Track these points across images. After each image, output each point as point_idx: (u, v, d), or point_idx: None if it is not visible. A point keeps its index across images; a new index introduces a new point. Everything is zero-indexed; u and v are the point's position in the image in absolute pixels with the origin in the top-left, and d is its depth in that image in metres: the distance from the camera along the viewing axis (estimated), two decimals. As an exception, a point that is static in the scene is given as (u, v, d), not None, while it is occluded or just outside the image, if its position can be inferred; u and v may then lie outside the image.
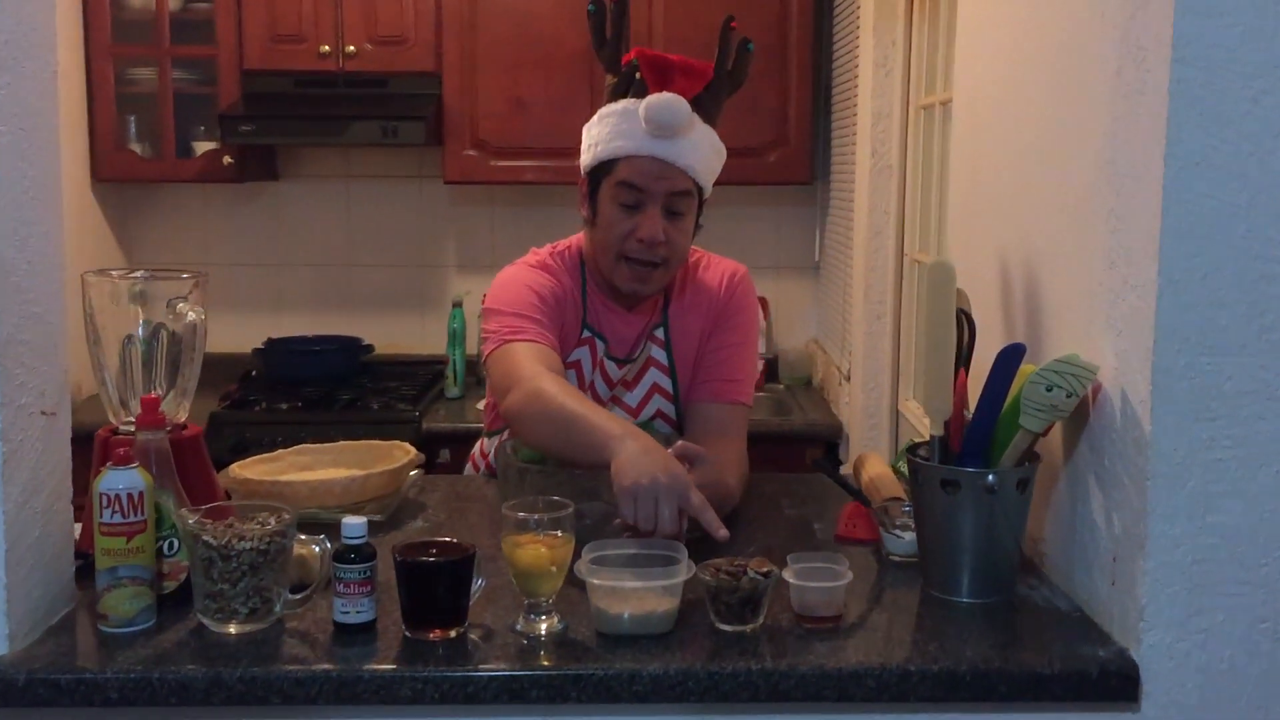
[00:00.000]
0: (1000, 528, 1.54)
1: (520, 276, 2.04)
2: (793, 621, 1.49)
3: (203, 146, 3.63)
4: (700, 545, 1.71)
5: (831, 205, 3.68)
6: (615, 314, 2.07)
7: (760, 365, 3.53)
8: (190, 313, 1.63)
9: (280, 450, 2.07)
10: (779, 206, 3.94)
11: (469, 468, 2.29)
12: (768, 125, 3.59)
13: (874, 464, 2.02)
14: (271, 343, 3.78)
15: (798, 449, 3.39)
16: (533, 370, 1.84)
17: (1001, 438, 1.55)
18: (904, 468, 2.06)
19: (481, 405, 3.53)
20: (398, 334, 3.98)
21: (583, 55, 3.54)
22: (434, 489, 2.11)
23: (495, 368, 1.94)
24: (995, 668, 1.38)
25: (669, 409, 2.09)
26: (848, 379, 3.29)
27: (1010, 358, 1.49)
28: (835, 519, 1.91)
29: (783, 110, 3.60)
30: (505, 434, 2.10)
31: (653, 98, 1.90)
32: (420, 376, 3.78)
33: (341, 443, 2.13)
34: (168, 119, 3.60)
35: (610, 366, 2.07)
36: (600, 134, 1.98)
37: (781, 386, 3.83)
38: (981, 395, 1.51)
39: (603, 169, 1.98)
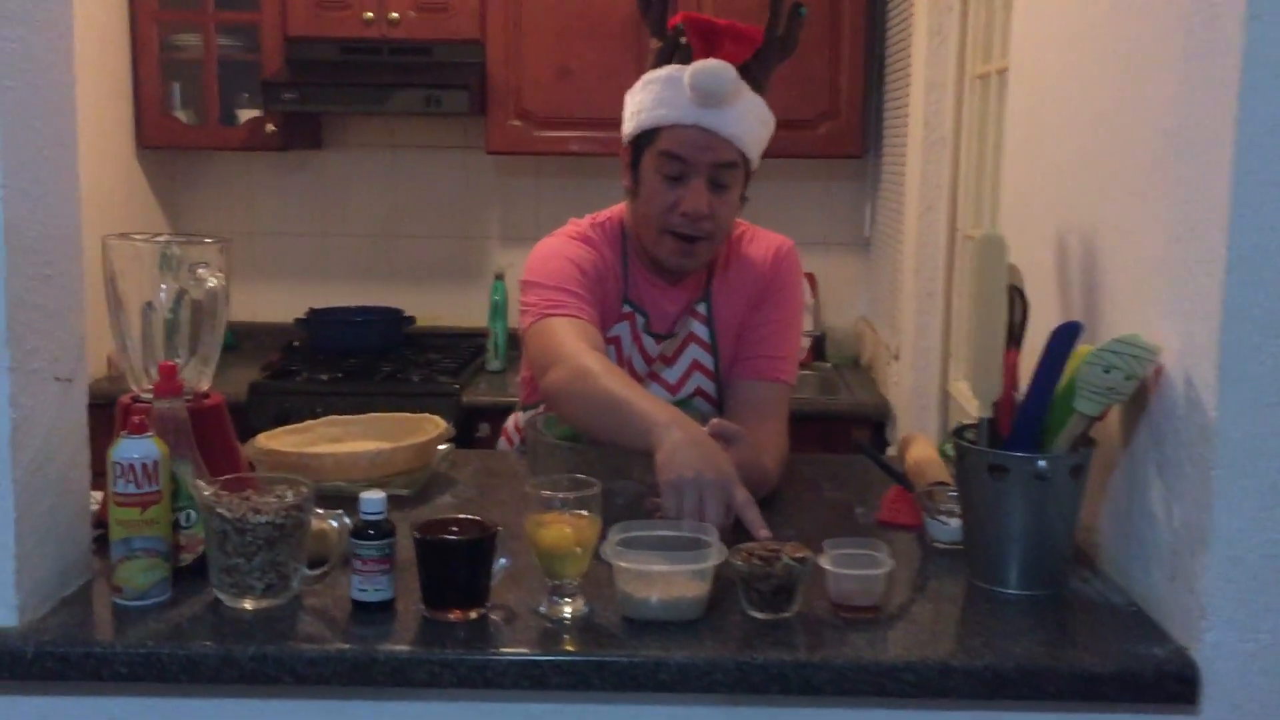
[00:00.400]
0: (1051, 517, 1.45)
1: (560, 248, 1.97)
2: (829, 610, 1.42)
3: (247, 114, 3.61)
4: (733, 528, 1.64)
5: (883, 179, 3.58)
6: (657, 288, 2.00)
7: (805, 343, 3.45)
8: (211, 279, 1.58)
9: (310, 421, 2.03)
10: (829, 180, 3.84)
11: (502, 442, 2.24)
12: (818, 96, 3.49)
13: (920, 446, 1.94)
14: (314, 313, 3.76)
15: (843, 429, 3.31)
16: (575, 347, 1.77)
17: (1054, 421, 1.46)
18: (951, 451, 1.99)
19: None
20: (440, 306, 3.94)
21: (631, 22, 3.46)
22: (465, 464, 2.06)
23: (534, 342, 1.88)
24: (1044, 665, 1.30)
25: (709, 387, 2.02)
26: (896, 358, 3.19)
27: (1065, 337, 1.41)
28: (878, 503, 1.83)
29: (834, 80, 3.50)
30: (540, 409, 2.05)
31: (698, 64, 1.82)
32: (462, 349, 3.74)
33: (372, 415, 2.08)
34: (212, 86, 3.57)
35: (649, 342, 2.00)
36: (643, 101, 1.90)
37: (829, 365, 3.75)
38: (1034, 376, 1.43)
39: (645, 138, 1.91)
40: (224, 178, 3.91)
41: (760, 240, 2.06)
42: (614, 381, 1.69)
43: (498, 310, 3.61)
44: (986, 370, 1.46)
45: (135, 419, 1.42)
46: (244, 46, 3.60)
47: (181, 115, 3.64)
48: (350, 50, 3.53)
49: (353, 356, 3.58)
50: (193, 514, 1.48)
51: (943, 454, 1.98)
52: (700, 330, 2.01)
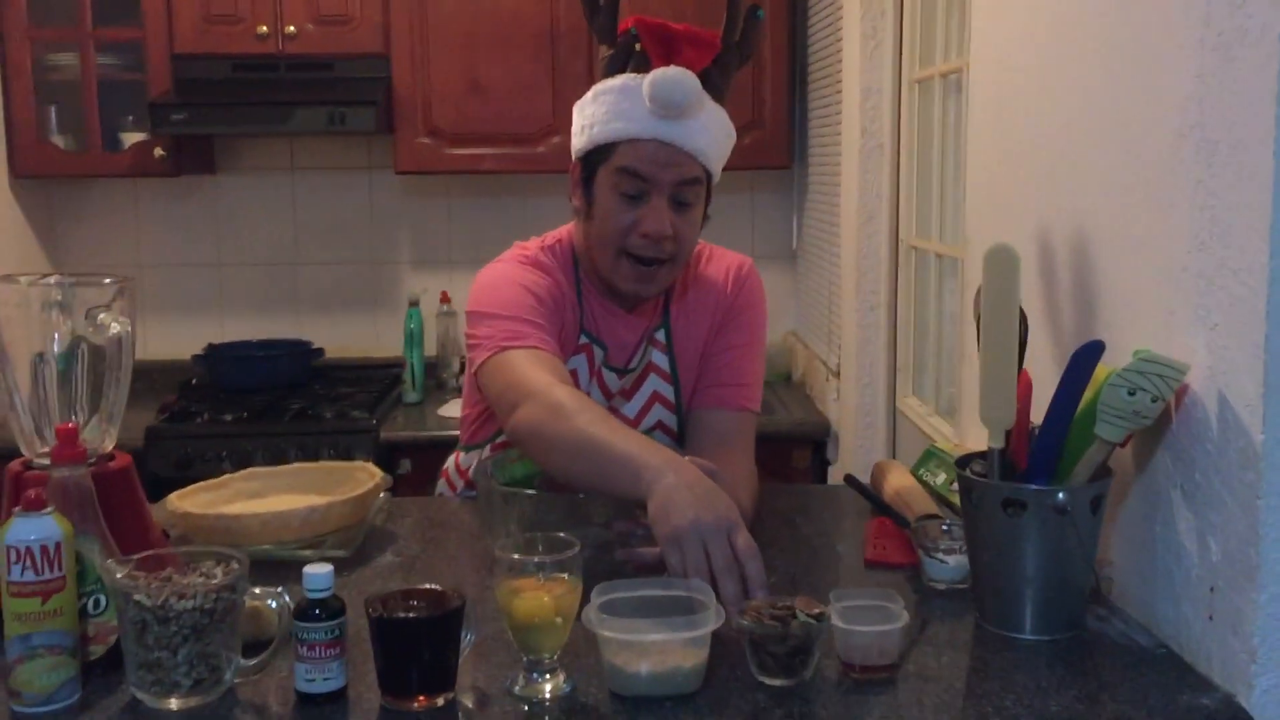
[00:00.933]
0: (1071, 553, 1.33)
1: (511, 274, 1.78)
2: (839, 671, 1.27)
3: (132, 138, 3.35)
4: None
5: (810, 190, 3.48)
6: (615, 317, 1.85)
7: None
8: (114, 324, 1.37)
9: (226, 475, 1.81)
10: (754, 192, 3.73)
11: (441, 485, 2.05)
12: (742, 107, 3.37)
13: (897, 474, 1.81)
14: (213, 348, 3.51)
15: (784, 449, 3.19)
16: (543, 382, 1.59)
17: (1069, 450, 1.34)
18: (927, 477, 1.86)
19: (445, 411, 3.30)
20: (350, 336, 3.72)
21: (544, 33, 3.31)
22: (403, 514, 1.87)
23: (493, 379, 1.68)
24: (1086, 723, 1.17)
25: (670, 419, 1.87)
26: (836, 375, 3.08)
27: (1087, 358, 1.29)
28: (859, 539, 1.70)
29: (757, 90, 3.39)
30: (486, 450, 1.87)
31: (658, 72, 1.66)
32: (376, 381, 3.53)
33: (296, 465, 1.88)
34: (92, 108, 3.31)
35: (609, 377, 1.84)
36: (596, 114, 1.73)
37: (760, 383, 3.62)
38: (1054, 401, 1.30)
39: (599, 154, 1.74)
40: (109, 207, 3.64)
41: (718, 260, 1.92)
42: (593, 420, 1.52)
43: (413, 339, 3.41)
44: (997, 396, 1.33)
45: (31, 493, 1.21)
46: (126, 65, 3.35)
47: (59, 140, 3.37)
48: (243, 68, 3.30)
49: (258, 394, 3.34)
50: (102, 598, 1.27)
51: (920, 481, 1.85)
52: (660, 360, 1.87)
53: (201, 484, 1.77)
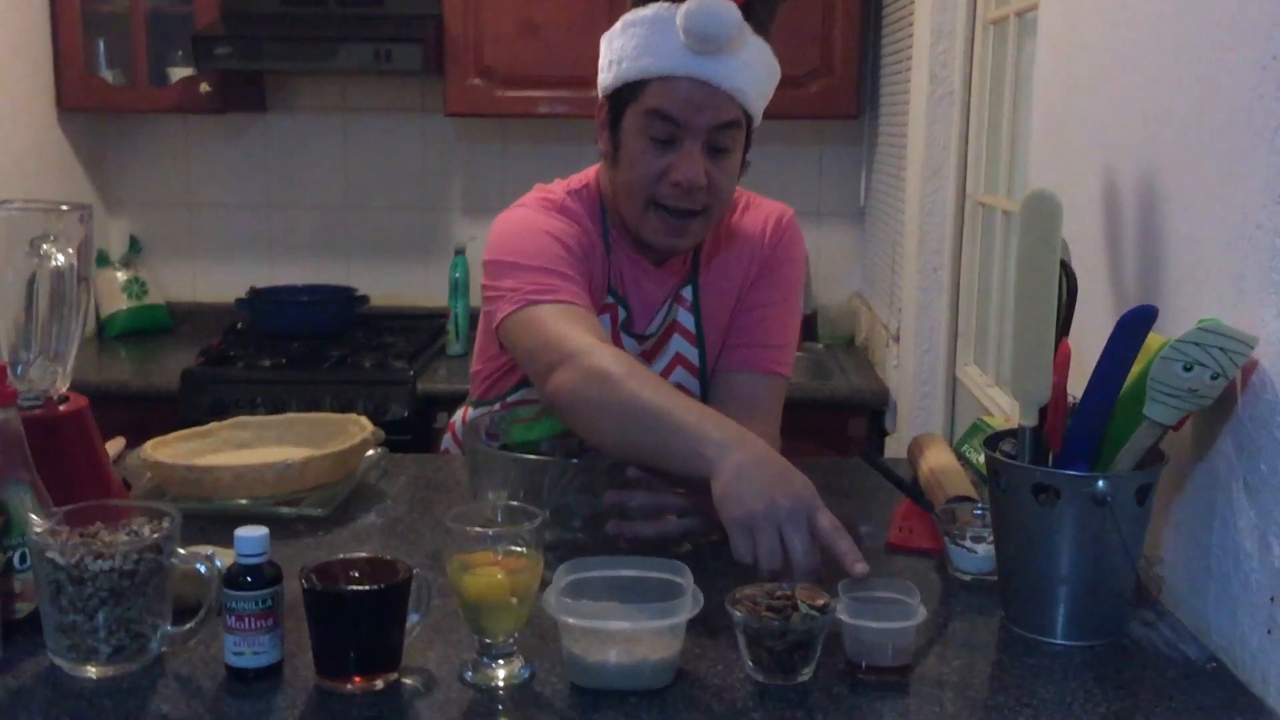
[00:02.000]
0: (1111, 550, 1.15)
1: (537, 220, 1.62)
2: (844, 668, 1.12)
3: (178, 73, 3.27)
4: (720, 565, 1.34)
5: (880, 142, 3.27)
6: (643, 272, 1.67)
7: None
8: (59, 255, 1.26)
9: (213, 424, 1.71)
10: (821, 144, 3.53)
11: (447, 440, 1.92)
12: (809, 51, 3.17)
13: (935, 451, 1.64)
14: (256, 293, 3.43)
15: (839, 418, 3.01)
16: (584, 342, 1.42)
17: (1114, 432, 1.16)
18: (970, 454, 1.69)
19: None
20: (397, 284, 3.62)
21: (602, -31, 3.14)
22: (399, 471, 1.75)
23: (523, 337, 1.51)
24: (1113, 749, 1.01)
25: (692, 384, 1.71)
26: (896, 340, 2.89)
27: (1136, 325, 1.10)
28: (887, 520, 1.53)
29: (827, 33, 3.17)
30: (496, 407, 1.74)
31: (694, 3, 1.47)
32: (420, 331, 3.42)
33: (289, 415, 1.77)
34: (140, 42, 3.23)
35: (628, 343, 1.68)
36: (625, 48, 1.55)
37: (820, 346, 3.44)
38: (1095, 374, 1.13)
39: (628, 92, 1.56)
40: (159, 144, 3.57)
41: (756, 210, 1.74)
42: (645, 385, 1.34)
43: (458, 288, 3.29)
44: (1031, 366, 1.16)
45: (-54, 436, 1.11)
46: (176, -1, 3.26)
47: (107, 75, 3.30)
48: (291, 1, 3.19)
49: (299, 340, 3.26)
50: (28, 553, 1.17)
51: (961, 457, 1.68)
52: (686, 319, 1.70)
53: (185, 431, 1.67)
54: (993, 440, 1.26)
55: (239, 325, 3.44)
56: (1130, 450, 1.13)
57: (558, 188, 1.71)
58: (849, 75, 3.20)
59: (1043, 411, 1.19)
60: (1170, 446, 1.21)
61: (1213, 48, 1.19)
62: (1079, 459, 1.17)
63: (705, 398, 1.72)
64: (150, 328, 3.50)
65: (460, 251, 3.34)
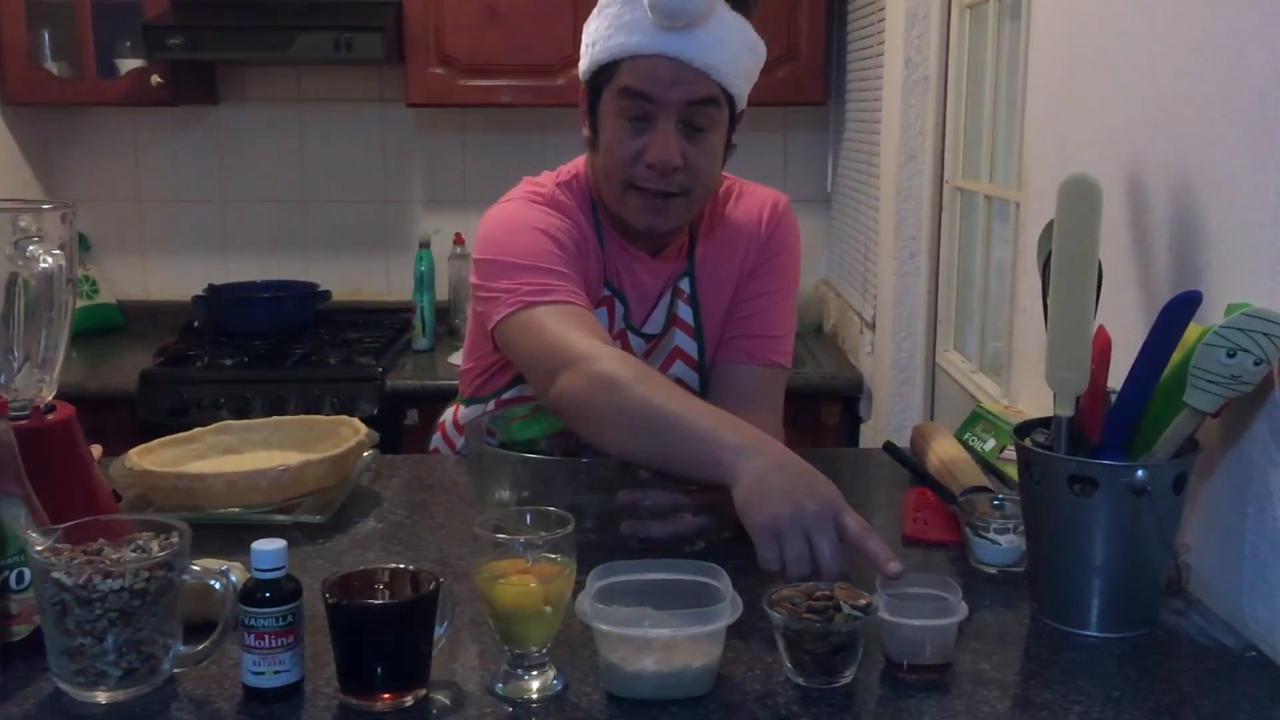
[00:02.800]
0: (1147, 539, 1.14)
1: (528, 216, 1.58)
2: (881, 666, 1.10)
3: (128, 64, 3.16)
4: (739, 563, 1.31)
5: (847, 128, 3.25)
6: (638, 262, 1.64)
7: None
8: (46, 257, 1.19)
9: (197, 429, 1.65)
10: (787, 131, 3.50)
11: (437, 439, 1.87)
12: (775, 37, 3.11)
13: (942, 442, 1.62)
14: (214, 289, 3.34)
15: (813, 405, 3.00)
16: (586, 345, 1.38)
17: (1150, 420, 1.15)
18: (974, 442, 1.68)
19: (457, 359, 3.12)
20: (358, 278, 3.55)
21: (565, -46, 3.08)
22: (392, 473, 1.70)
23: (522, 340, 1.47)
24: (1169, 743, 0.99)
25: (691, 378, 1.68)
26: (870, 327, 2.88)
27: (1180, 311, 1.09)
28: (896, 511, 1.51)
29: (792, 19, 3.15)
30: (489, 406, 1.69)
31: None
32: (384, 326, 3.35)
33: (276, 419, 1.71)
34: (86, 32, 3.12)
35: (635, 342, 1.65)
36: (599, 30, 1.53)
37: (790, 334, 3.42)
38: (1137, 363, 1.11)
39: (603, 74, 1.54)
40: (107, 137, 3.46)
41: (749, 198, 1.71)
42: (657, 391, 1.31)
43: (423, 281, 3.23)
44: (1068, 355, 1.14)
45: (-64, 452, 1.04)
46: (123, -13, 3.15)
47: (53, 67, 3.18)
48: (246, -11, 3.10)
49: (260, 338, 3.18)
50: (25, 572, 1.11)
51: (967, 447, 1.67)
52: (684, 312, 1.67)
53: (169, 438, 1.60)
54: (1022, 430, 1.24)
55: (195, 323, 3.35)
56: (1169, 438, 1.12)
57: (546, 180, 1.67)
58: (815, 61, 3.18)
59: (1078, 401, 1.17)
60: (1199, 433, 1.20)
61: (1239, 25, 1.17)
62: (1114, 449, 1.15)
63: (704, 391, 1.69)
64: (101, 327, 3.40)
65: (425, 245, 3.28)
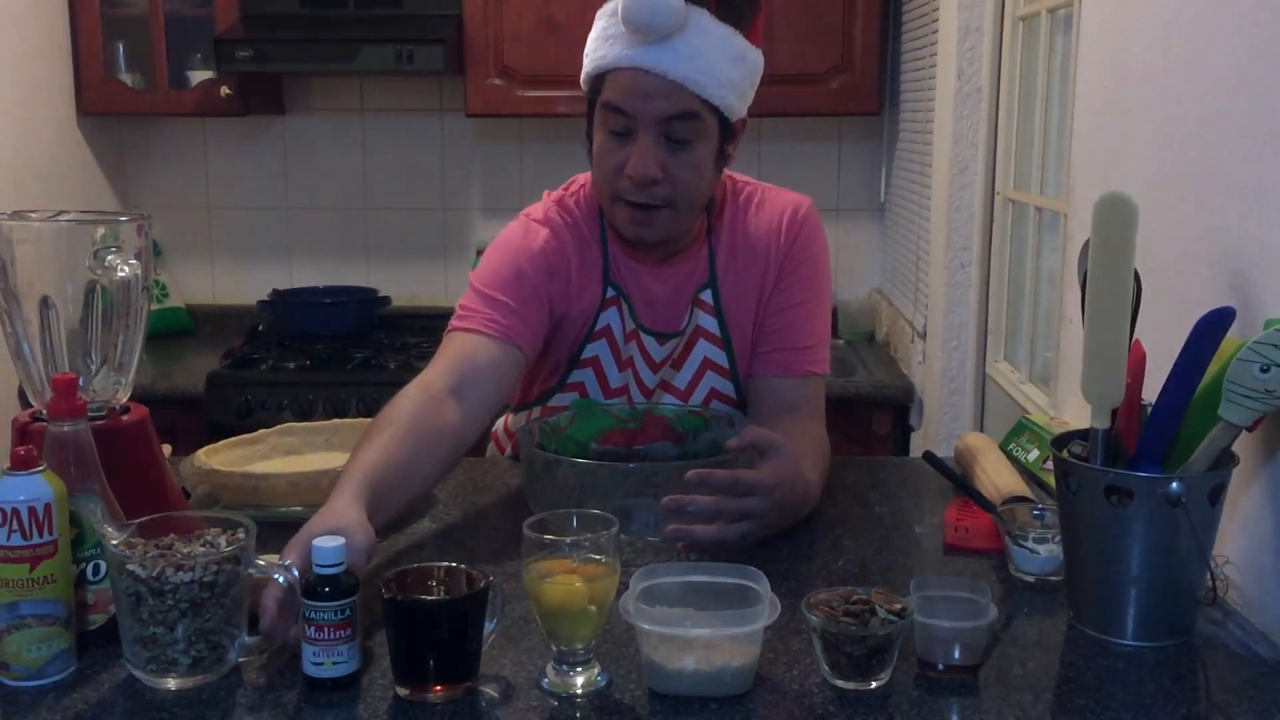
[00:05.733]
0: (1184, 550, 1.16)
1: (508, 240, 1.66)
2: (914, 669, 1.13)
3: (199, 76, 3.26)
4: (780, 567, 1.35)
5: (901, 138, 3.27)
6: (642, 266, 1.67)
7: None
8: (123, 266, 1.26)
9: (261, 431, 1.71)
10: (841, 140, 3.53)
11: (491, 448, 1.93)
12: (829, 48, 3.17)
13: (984, 451, 1.64)
14: (279, 294, 3.44)
15: (863, 414, 3.01)
16: (420, 380, 1.52)
17: (1186, 433, 1.17)
18: (1018, 453, 1.70)
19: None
20: (418, 284, 3.62)
21: (622, -32, 3.13)
22: (446, 476, 1.75)
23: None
24: (1196, 751, 1.01)
25: (726, 387, 1.71)
26: (922, 336, 2.89)
27: (1213, 327, 1.11)
28: (939, 520, 1.54)
29: (847, 30, 3.17)
30: (533, 411, 1.74)
31: None
32: (440, 331, 3.38)
33: (336, 421, 1.77)
34: (159, 45, 3.23)
35: (650, 343, 1.68)
36: (590, 42, 1.57)
37: (842, 342, 3.44)
38: (1171, 376, 1.13)
39: (593, 88, 1.58)
40: (177, 146, 3.57)
41: (770, 206, 1.71)
42: (365, 441, 1.41)
43: (481, 288, 3.29)
44: (1104, 368, 1.16)
45: (21, 449, 1.11)
46: (194, 1, 3.25)
47: (127, 79, 3.30)
48: (311, 3, 3.19)
49: (322, 342, 3.26)
50: (102, 564, 1.17)
51: (1010, 457, 1.69)
52: (708, 323, 1.68)
53: (234, 439, 1.67)
54: (1059, 441, 1.26)
55: (260, 327, 3.45)
56: (1205, 451, 1.14)
57: (554, 195, 1.72)
58: (869, 71, 3.20)
59: (1114, 413, 1.19)
60: (1237, 446, 1.22)
61: (1276, 39, 1.19)
62: (1151, 460, 1.17)
63: (741, 399, 1.72)
64: (172, 331, 3.50)
65: (481, 252, 3.33)
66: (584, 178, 1.72)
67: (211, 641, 1.10)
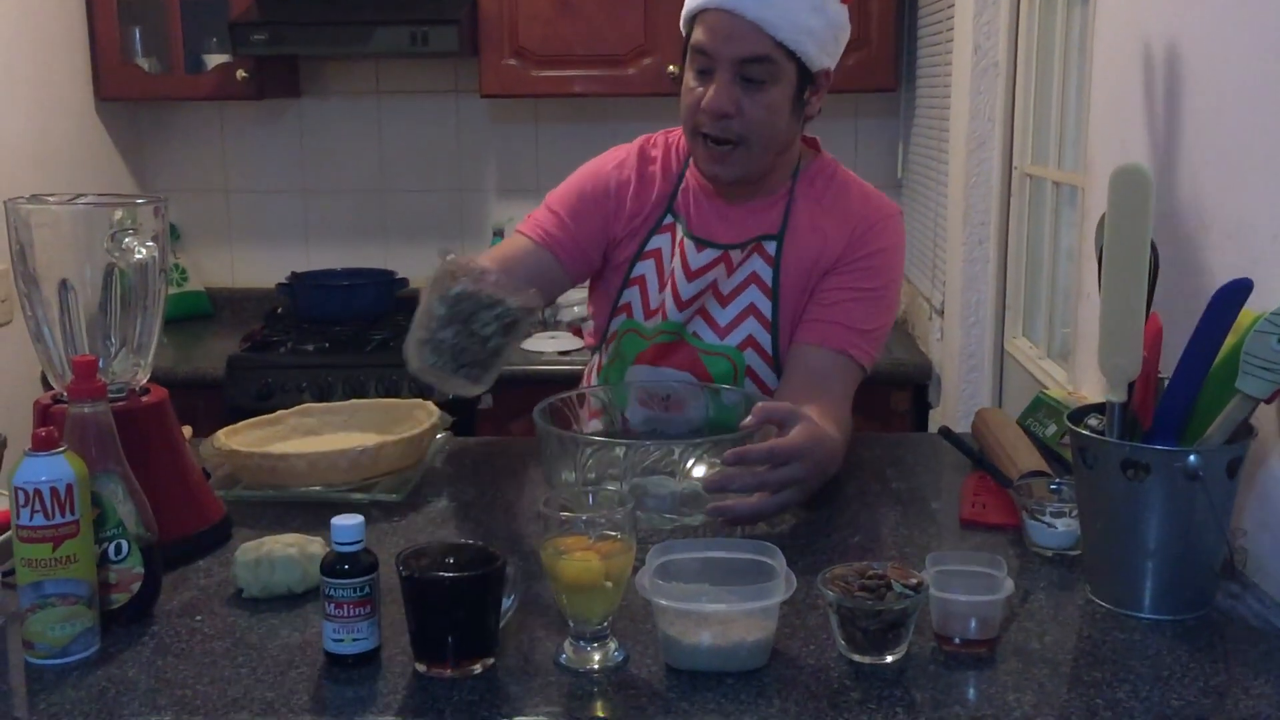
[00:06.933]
0: (1201, 524, 1.16)
1: (588, 164, 1.82)
2: (930, 643, 1.13)
3: (214, 60, 3.27)
4: (797, 542, 1.35)
5: (918, 114, 3.25)
6: (711, 202, 1.73)
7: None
8: (140, 249, 1.27)
9: (280, 411, 1.73)
10: (857, 117, 3.51)
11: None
12: (846, 24, 3.15)
13: (1002, 426, 1.64)
14: (297, 277, 3.44)
15: (882, 392, 3.00)
16: (486, 256, 1.69)
17: (1202, 407, 1.16)
18: (1036, 428, 1.69)
19: (528, 344, 3.19)
20: (433, 265, 3.60)
21: (638, -57, 3.12)
22: (464, 455, 1.76)
23: None
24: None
25: (764, 339, 1.70)
26: (940, 313, 2.88)
27: (1230, 299, 1.10)
28: (956, 495, 1.54)
29: (863, 5, 3.15)
30: (604, 353, 1.79)
31: None
32: (460, 313, 3.42)
33: (354, 401, 1.78)
34: (175, 29, 3.23)
35: (690, 249, 1.70)
36: None
37: (860, 320, 3.43)
38: (1188, 349, 1.12)
39: (688, 27, 1.65)
40: (194, 130, 3.58)
41: (866, 198, 1.73)
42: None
43: (498, 269, 3.29)
44: (1121, 341, 1.16)
45: (42, 430, 1.12)
46: (210, -15, 3.26)
47: (143, 63, 3.30)
48: (326, -15, 3.18)
49: (340, 324, 3.27)
50: (124, 544, 1.19)
51: (1027, 431, 1.68)
52: (765, 272, 1.69)
53: (254, 420, 1.68)
54: (1076, 415, 1.26)
55: (279, 310, 3.46)
56: (1222, 424, 1.13)
57: (649, 136, 1.83)
58: (886, 47, 3.18)
59: (1130, 386, 1.18)
60: (1255, 419, 1.21)
61: (1297, 16, 1.18)
62: (1168, 434, 1.17)
63: (777, 356, 1.71)
64: (192, 314, 3.52)
65: (499, 233, 3.34)
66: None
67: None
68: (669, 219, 1.74)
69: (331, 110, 3.57)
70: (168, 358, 3.17)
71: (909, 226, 3.40)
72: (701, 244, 1.71)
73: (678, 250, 1.72)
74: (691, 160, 1.73)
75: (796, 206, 1.71)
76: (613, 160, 1.78)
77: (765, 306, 1.69)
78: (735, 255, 1.70)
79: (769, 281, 1.69)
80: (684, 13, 1.65)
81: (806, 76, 1.61)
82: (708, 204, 1.73)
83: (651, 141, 1.80)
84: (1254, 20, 1.27)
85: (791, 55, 1.57)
